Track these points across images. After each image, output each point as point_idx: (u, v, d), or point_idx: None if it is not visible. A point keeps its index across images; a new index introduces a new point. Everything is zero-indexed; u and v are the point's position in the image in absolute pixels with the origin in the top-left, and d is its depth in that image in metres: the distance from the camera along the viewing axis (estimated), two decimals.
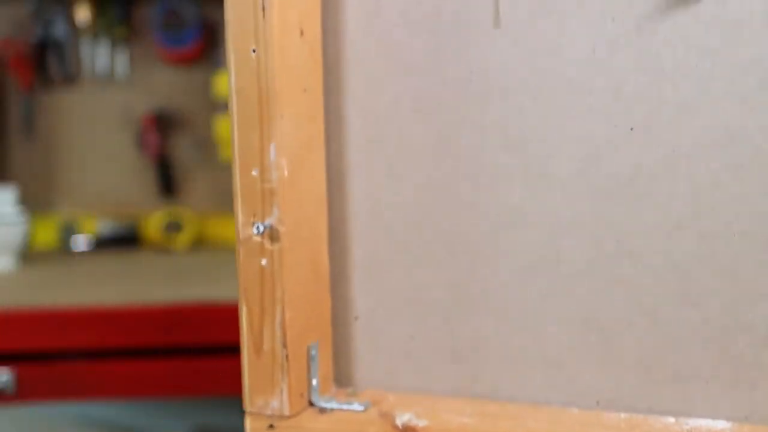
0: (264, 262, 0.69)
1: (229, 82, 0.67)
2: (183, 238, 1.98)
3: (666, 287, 0.68)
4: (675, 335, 0.69)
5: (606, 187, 0.68)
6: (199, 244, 2.02)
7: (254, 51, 0.65)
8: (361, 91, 0.73)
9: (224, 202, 2.02)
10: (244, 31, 0.65)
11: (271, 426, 0.71)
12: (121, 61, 2.03)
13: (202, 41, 1.99)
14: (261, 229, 0.68)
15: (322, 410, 0.72)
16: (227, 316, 1.31)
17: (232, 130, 0.67)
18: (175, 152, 2.05)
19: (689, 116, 0.66)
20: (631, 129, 0.67)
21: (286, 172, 0.67)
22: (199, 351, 1.35)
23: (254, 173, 0.67)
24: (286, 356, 0.70)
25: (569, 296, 0.71)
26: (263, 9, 0.64)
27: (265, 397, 0.71)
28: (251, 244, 0.69)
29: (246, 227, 0.69)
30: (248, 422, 0.71)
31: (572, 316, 0.71)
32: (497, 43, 0.69)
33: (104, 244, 1.99)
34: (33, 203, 2.00)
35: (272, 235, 0.68)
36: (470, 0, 0.69)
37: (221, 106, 1.93)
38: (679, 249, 0.68)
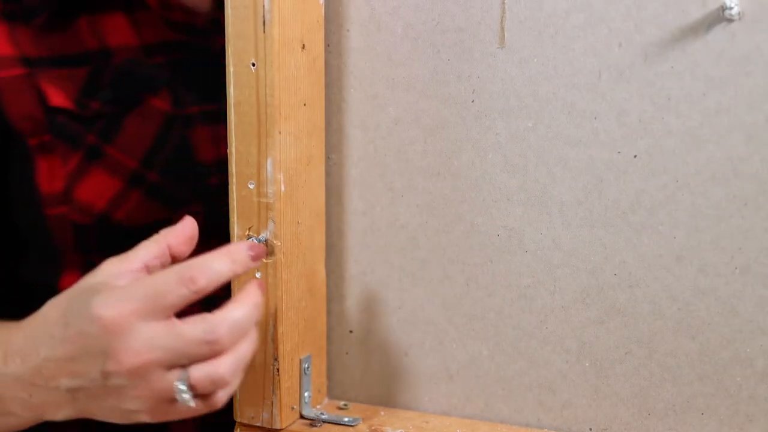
0: (258, 275, 0.68)
1: (228, 94, 0.66)
2: None
3: (663, 318, 0.67)
4: (671, 367, 0.68)
5: (606, 214, 0.67)
6: None
7: (254, 65, 0.65)
8: (362, 106, 0.72)
9: None
10: (244, 45, 0.64)
11: None
12: None
13: None
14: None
15: (313, 423, 0.72)
16: None
17: (230, 142, 0.67)
18: None
19: (694, 147, 0.64)
20: (635, 156, 0.66)
21: (282, 187, 0.67)
22: None
23: (251, 186, 0.67)
24: (277, 369, 0.69)
25: (565, 323, 0.70)
26: (264, 23, 0.64)
27: (255, 409, 0.71)
28: None
29: (241, 240, 0.68)
30: None
31: (567, 343, 0.70)
32: (500, 64, 0.68)
33: None
34: None
35: (267, 249, 0.68)
36: (475, 18, 0.68)
37: None
38: (678, 280, 0.67)
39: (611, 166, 0.67)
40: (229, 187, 0.68)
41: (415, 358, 0.75)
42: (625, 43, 0.65)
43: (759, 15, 0.61)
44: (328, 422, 0.73)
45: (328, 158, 0.74)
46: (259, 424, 0.71)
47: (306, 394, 0.72)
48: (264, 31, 0.64)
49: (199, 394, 0.60)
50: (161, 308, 0.58)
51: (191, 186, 0.80)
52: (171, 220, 0.69)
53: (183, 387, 0.59)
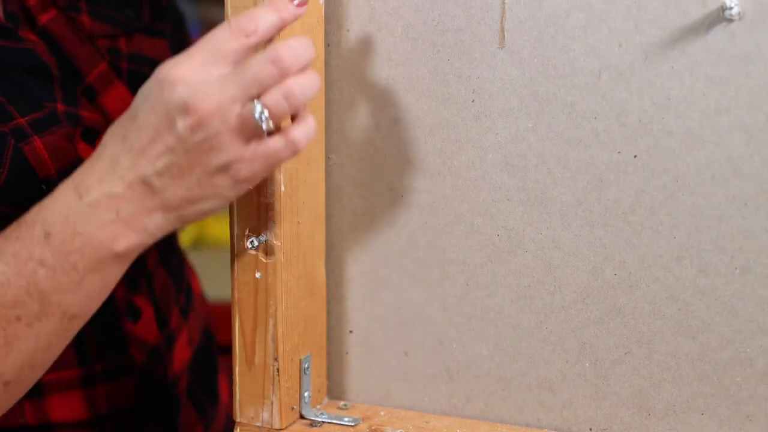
0: (258, 275, 0.68)
1: None
2: (183, 238, 1.97)
3: (663, 318, 0.67)
4: (671, 367, 0.68)
5: (606, 214, 0.67)
6: (199, 244, 2.02)
7: None
8: (362, 106, 0.72)
9: None
10: None
11: None
12: None
13: None
14: (255, 243, 0.68)
15: (313, 423, 0.72)
16: (227, 316, 1.30)
17: None
18: None
19: (694, 147, 0.64)
20: (635, 157, 0.66)
21: (282, 187, 0.67)
22: None
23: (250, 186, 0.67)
24: (278, 369, 0.69)
25: (565, 323, 0.70)
26: None
27: (255, 409, 0.71)
28: (246, 257, 0.68)
29: (241, 240, 0.68)
30: None
31: (567, 343, 0.70)
32: (500, 64, 0.68)
33: None
34: None
35: (267, 249, 0.68)
36: (475, 18, 0.68)
37: None
38: (678, 280, 0.67)
39: (611, 166, 0.67)
40: None
41: (415, 358, 0.75)
42: (625, 43, 0.65)
43: (759, 15, 0.61)
44: (327, 422, 0.73)
45: (328, 158, 0.74)
46: (258, 424, 0.71)
47: (306, 394, 0.72)
48: None
49: (276, 120, 0.61)
50: (222, 57, 0.60)
51: None
52: None
53: (258, 106, 0.60)
